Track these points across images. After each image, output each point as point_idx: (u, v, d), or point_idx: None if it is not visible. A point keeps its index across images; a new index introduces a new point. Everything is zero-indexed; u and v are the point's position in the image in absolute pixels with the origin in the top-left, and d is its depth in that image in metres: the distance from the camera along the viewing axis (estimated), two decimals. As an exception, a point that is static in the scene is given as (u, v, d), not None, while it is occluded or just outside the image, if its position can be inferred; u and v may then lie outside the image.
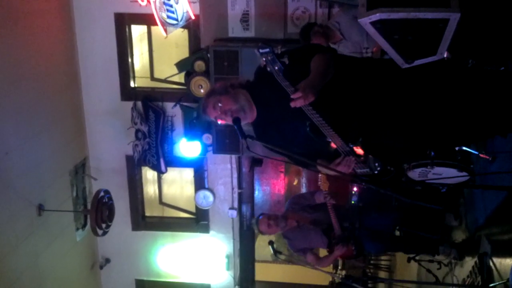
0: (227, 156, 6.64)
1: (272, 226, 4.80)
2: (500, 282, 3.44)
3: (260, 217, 4.91)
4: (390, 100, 2.59)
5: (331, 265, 9.06)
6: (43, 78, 5.67)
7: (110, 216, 5.68)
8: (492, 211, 3.83)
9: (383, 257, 8.66)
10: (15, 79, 5.14)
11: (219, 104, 2.65)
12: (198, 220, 7.13)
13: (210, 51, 5.67)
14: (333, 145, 2.55)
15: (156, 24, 5.80)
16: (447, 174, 3.75)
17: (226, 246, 7.14)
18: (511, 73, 2.66)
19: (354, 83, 2.61)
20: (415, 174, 3.84)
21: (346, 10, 4.81)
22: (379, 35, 2.44)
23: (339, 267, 8.59)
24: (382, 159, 2.58)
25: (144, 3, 5.80)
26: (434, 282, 4.89)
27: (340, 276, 5.63)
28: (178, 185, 7.61)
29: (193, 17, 5.82)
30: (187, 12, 5.76)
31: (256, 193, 8.33)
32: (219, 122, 2.72)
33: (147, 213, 7.33)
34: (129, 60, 6.45)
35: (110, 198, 5.70)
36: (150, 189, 7.38)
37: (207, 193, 6.84)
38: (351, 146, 2.54)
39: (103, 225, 5.57)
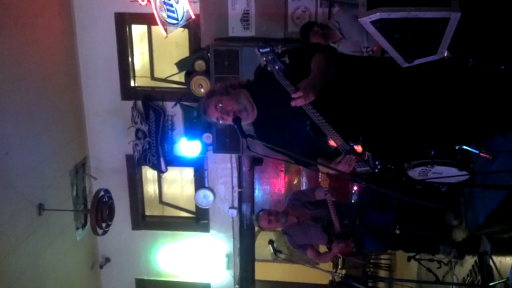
0: (227, 156, 6.64)
1: (273, 222, 4.80)
2: (500, 281, 3.44)
3: (261, 213, 4.91)
4: (391, 99, 2.59)
5: (331, 264, 9.08)
6: (44, 77, 5.67)
7: (110, 216, 5.68)
8: (492, 210, 3.84)
9: (383, 256, 8.66)
10: (16, 79, 5.14)
11: (220, 105, 2.65)
12: (198, 220, 7.13)
13: (210, 51, 5.67)
14: (333, 143, 2.55)
15: (156, 23, 5.80)
16: (447, 173, 3.76)
17: (226, 245, 7.15)
18: (511, 72, 2.67)
19: (355, 82, 2.61)
20: (415, 173, 3.85)
21: (346, 10, 4.81)
22: (379, 34, 2.44)
23: (339, 266, 8.59)
24: (383, 158, 2.59)
25: (144, 3, 5.80)
26: (434, 281, 4.89)
27: (340, 275, 5.64)
28: (178, 184, 7.61)
29: (193, 17, 5.82)
30: (187, 11, 5.76)
31: (256, 192, 8.34)
32: (221, 122, 2.72)
33: (147, 213, 7.33)
34: (130, 59, 6.45)
35: (110, 198, 5.70)
36: (150, 188, 7.38)
37: (207, 192, 6.84)
38: (352, 144, 2.55)
39: (103, 225, 5.57)
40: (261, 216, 4.87)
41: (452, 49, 2.53)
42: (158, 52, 6.68)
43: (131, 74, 6.52)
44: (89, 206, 6.03)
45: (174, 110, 6.46)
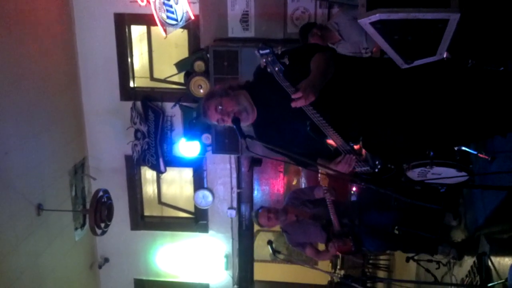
0: (226, 156, 6.65)
1: (272, 219, 4.80)
2: (499, 281, 3.44)
3: (260, 210, 4.91)
4: (390, 100, 2.60)
5: (330, 265, 9.09)
6: (43, 78, 5.67)
7: (109, 216, 5.68)
8: (491, 211, 3.84)
9: (382, 257, 8.67)
10: (15, 79, 5.14)
11: (220, 107, 2.65)
12: (197, 220, 7.13)
13: (209, 51, 5.67)
14: (332, 143, 2.55)
15: (155, 24, 5.80)
16: (446, 174, 3.76)
17: (225, 246, 7.15)
18: (510, 73, 2.67)
19: (354, 83, 2.62)
20: (414, 174, 3.85)
21: (345, 11, 4.82)
22: (378, 35, 2.45)
23: (338, 267, 8.60)
24: (383, 158, 2.60)
25: (143, 4, 5.80)
26: (433, 282, 4.90)
27: (339, 275, 5.64)
28: (177, 184, 7.61)
29: (192, 17, 5.82)
30: (186, 12, 5.76)
31: (255, 192, 8.34)
32: (221, 124, 2.71)
33: (146, 213, 7.33)
34: (129, 60, 6.46)
35: (109, 198, 5.70)
36: (149, 188, 7.38)
37: (206, 193, 6.84)
38: (352, 145, 2.55)
39: (102, 225, 5.57)
40: (260, 213, 4.86)
41: (452, 50, 2.54)
42: (158, 53, 6.68)
43: (131, 74, 6.53)
44: (88, 206, 6.03)
45: (173, 110, 6.46)
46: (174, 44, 6.62)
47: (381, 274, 8.52)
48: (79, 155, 6.60)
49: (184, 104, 6.35)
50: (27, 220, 5.37)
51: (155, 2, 5.65)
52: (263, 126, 2.79)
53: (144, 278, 7.44)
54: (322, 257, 5.05)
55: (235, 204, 6.92)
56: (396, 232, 5.15)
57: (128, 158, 6.79)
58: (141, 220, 7.23)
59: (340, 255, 8.50)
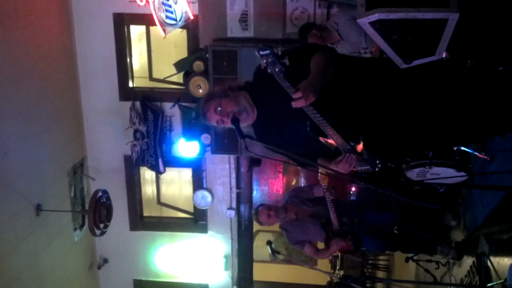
0: (226, 156, 6.64)
1: (272, 217, 4.80)
2: (498, 282, 3.44)
3: (260, 207, 4.91)
4: (390, 100, 2.60)
5: (329, 265, 9.09)
6: (42, 78, 5.66)
7: (108, 216, 5.67)
8: (491, 211, 3.84)
9: (381, 257, 8.67)
10: (14, 79, 5.13)
11: (219, 108, 2.65)
12: (196, 220, 7.13)
13: (209, 51, 5.67)
14: (332, 142, 2.55)
15: (155, 24, 5.80)
16: (446, 174, 3.76)
17: (224, 246, 7.14)
18: (509, 73, 2.67)
19: (354, 82, 2.62)
20: (413, 174, 3.85)
21: (344, 11, 4.82)
22: (378, 35, 2.44)
23: (337, 267, 8.59)
24: (383, 157, 2.60)
25: (142, 3, 5.79)
26: (432, 282, 4.90)
27: (338, 276, 5.63)
28: (176, 185, 7.61)
29: (192, 17, 5.82)
30: (186, 12, 5.76)
31: (255, 193, 8.34)
32: (221, 126, 2.71)
33: (145, 213, 7.33)
34: (128, 60, 6.45)
35: (108, 198, 5.69)
36: (148, 189, 7.37)
37: (206, 193, 6.84)
38: (352, 144, 2.55)
39: (101, 225, 5.57)
40: (260, 210, 4.86)
41: (451, 50, 2.53)
42: (157, 53, 6.68)
43: (130, 74, 6.52)
44: (87, 206, 6.03)
45: (172, 110, 6.45)
46: (173, 44, 6.62)
47: (380, 274, 8.53)
48: (78, 155, 6.60)
49: (183, 104, 6.35)
50: (26, 220, 5.37)
51: (154, 2, 5.65)
52: (263, 126, 2.79)
53: (143, 278, 7.44)
54: (321, 255, 5.05)
55: (234, 205, 6.91)
56: (395, 232, 5.15)
57: (127, 159, 6.78)
58: (140, 221, 7.23)
59: (339, 255, 8.51)
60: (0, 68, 4.92)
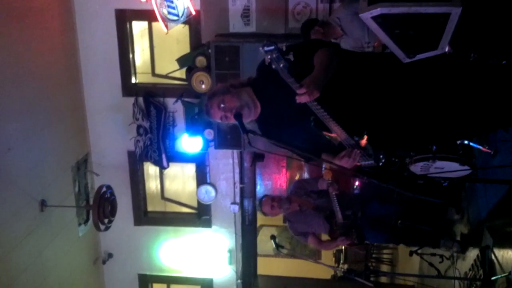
0: (229, 151, 6.65)
1: (275, 208, 4.80)
2: (502, 275, 3.45)
3: (264, 198, 4.91)
4: (393, 94, 2.60)
5: (333, 259, 9.10)
6: (45, 74, 5.67)
7: (113, 212, 5.69)
8: (494, 204, 3.85)
9: (385, 251, 8.69)
10: (17, 76, 5.14)
11: (222, 105, 2.66)
12: (200, 215, 7.15)
13: (211, 47, 5.66)
14: (336, 137, 2.56)
15: (157, 20, 5.79)
16: (449, 168, 3.76)
17: (228, 241, 7.16)
18: (512, 66, 2.67)
19: (357, 78, 2.62)
20: (417, 168, 3.86)
21: (347, 5, 4.80)
22: (380, 29, 2.45)
23: (341, 261, 8.61)
24: (387, 151, 2.60)
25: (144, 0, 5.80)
26: (436, 276, 4.91)
27: (342, 269, 5.64)
28: (180, 180, 7.62)
29: (194, 13, 5.81)
30: (187, 7, 5.75)
31: (258, 187, 8.34)
32: (225, 122, 2.72)
33: (149, 208, 7.34)
34: (130, 56, 6.45)
35: (112, 194, 5.71)
36: (152, 184, 7.39)
37: (209, 188, 6.85)
38: (356, 139, 2.55)
39: (106, 220, 5.59)
40: (264, 201, 4.87)
41: (454, 44, 2.53)
42: (159, 49, 6.67)
43: (132, 70, 6.52)
44: (91, 202, 6.04)
45: (175, 106, 6.46)
46: (176, 40, 6.61)
47: (384, 268, 8.55)
48: (81, 151, 6.61)
49: (186, 99, 6.35)
50: (30, 216, 5.39)
51: (156, -3, 5.64)
52: (267, 122, 2.80)
53: (147, 273, 7.46)
54: (324, 246, 5.06)
55: (238, 199, 6.92)
56: (399, 225, 5.16)
57: (130, 154, 6.79)
58: (144, 216, 7.24)
59: (343, 248, 8.53)
60: (3, 65, 4.92)
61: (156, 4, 5.67)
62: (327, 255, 9.68)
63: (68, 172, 6.25)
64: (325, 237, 5.07)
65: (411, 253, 5.14)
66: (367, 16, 2.39)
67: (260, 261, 7.71)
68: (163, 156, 6.57)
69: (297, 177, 9.27)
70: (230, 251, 7.18)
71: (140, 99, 6.47)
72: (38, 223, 5.52)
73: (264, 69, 2.56)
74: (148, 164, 7.00)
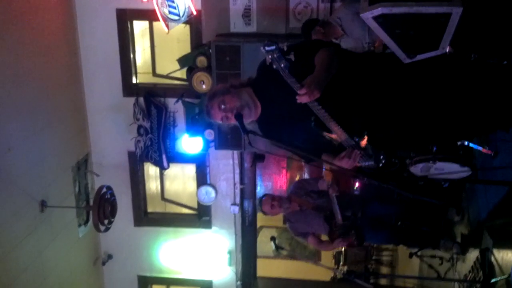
0: (229, 152, 6.64)
1: (275, 207, 4.80)
2: (502, 277, 3.44)
3: (264, 197, 4.90)
4: (393, 94, 2.60)
5: (333, 261, 9.09)
6: (46, 74, 5.67)
7: (113, 212, 5.68)
8: (494, 206, 3.84)
9: (384, 253, 8.68)
10: (17, 75, 5.14)
11: (222, 106, 2.66)
12: (200, 216, 7.14)
13: (212, 47, 5.66)
14: (336, 138, 2.55)
15: (158, 19, 5.79)
16: (449, 169, 3.75)
17: (228, 242, 7.15)
18: (513, 67, 2.66)
19: (358, 78, 2.62)
20: (417, 169, 3.84)
21: (348, 5, 4.80)
22: (381, 29, 2.44)
23: (341, 263, 8.60)
24: (387, 152, 2.60)
25: (146, -1, 5.80)
26: (436, 278, 4.90)
27: (342, 271, 5.64)
28: (180, 181, 7.61)
29: (194, 13, 5.81)
30: (188, 7, 5.75)
31: (258, 188, 8.33)
32: (226, 123, 2.72)
33: (149, 209, 7.34)
34: (131, 56, 6.45)
35: (112, 194, 5.70)
36: (152, 185, 7.38)
37: (209, 189, 6.84)
38: (357, 140, 2.55)
39: (106, 221, 5.57)
40: (264, 200, 4.86)
41: (454, 44, 2.53)
42: (160, 48, 6.67)
43: (133, 70, 6.52)
44: (91, 202, 6.04)
45: (176, 106, 6.45)
46: (176, 40, 6.61)
47: (384, 270, 8.54)
48: (82, 151, 6.61)
49: (187, 99, 6.34)
50: (31, 216, 5.39)
51: (157, -3, 5.65)
52: (267, 122, 2.80)
53: (147, 274, 7.46)
54: (324, 247, 5.05)
55: (238, 200, 6.91)
56: (399, 225, 5.15)
57: (131, 154, 6.79)
58: (145, 217, 7.24)
59: (343, 250, 8.52)
60: (3, 65, 4.92)
61: (157, 4, 5.68)
62: (327, 257, 9.67)
63: (68, 172, 6.25)
64: (325, 237, 5.06)
65: (410, 255, 5.14)
66: (368, 16, 2.38)
67: (260, 262, 7.70)
68: (164, 156, 6.56)
69: (297, 178, 9.26)
70: (230, 252, 7.17)
71: (141, 99, 6.47)
72: (38, 224, 5.52)
73: (265, 69, 2.56)
74: (148, 165, 7.00)
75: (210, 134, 6.25)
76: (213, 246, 7.15)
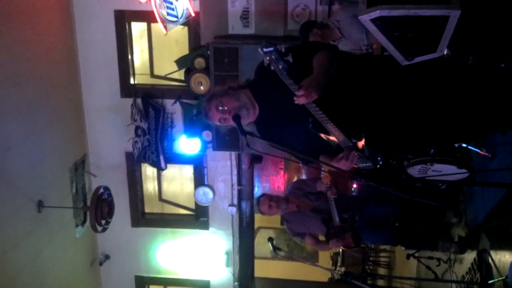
0: (227, 153, 6.64)
1: (273, 208, 4.79)
2: (499, 279, 3.45)
3: (261, 197, 4.90)
4: (391, 96, 2.60)
5: (330, 262, 9.10)
6: (44, 75, 5.66)
7: (110, 213, 5.67)
8: (492, 208, 3.84)
9: (382, 254, 8.68)
10: (16, 76, 5.14)
11: (220, 107, 2.66)
12: (198, 217, 7.14)
13: (210, 48, 5.67)
14: (334, 139, 2.55)
15: (156, 21, 5.79)
16: (447, 171, 3.76)
17: (226, 243, 7.15)
18: (511, 69, 2.67)
19: (356, 80, 2.62)
20: (415, 171, 3.86)
21: (346, 8, 4.81)
22: (379, 32, 2.45)
23: (339, 264, 8.61)
24: (385, 154, 2.60)
25: (144, 0, 5.80)
26: (433, 279, 4.90)
27: (340, 272, 5.65)
28: (178, 182, 7.62)
29: (193, 14, 5.82)
30: (187, 9, 5.76)
31: (256, 189, 8.34)
32: (224, 125, 2.72)
33: (147, 210, 7.33)
34: (129, 57, 6.45)
35: (109, 195, 5.69)
36: (149, 185, 7.38)
37: (207, 190, 6.84)
38: (354, 141, 2.55)
39: (103, 222, 5.57)
40: (261, 200, 4.86)
41: (452, 47, 2.53)
42: (158, 50, 6.67)
43: (131, 71, 6.52)
44: (88, 203, 6.03)
45: (173, 107, 6.46)
46: (175, 41, 6.62)
47: (382, 271, 8.54)
48: (79, 152, 6.60)
49: (185, 101, 6.35)
50: (28, 216, 5.38)
51: (155, -1, 5.65)
52: (265, 123, 2.80)
53: (145, 275, 7.45)
54: (321, 247, 5.06)
55: (235, 201, 6.92)
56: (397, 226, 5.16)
57: (128, 155, 6.79)
58: (142, 217, 7.24)
59: (340, 251, 8.53)
60: (1, 65, 4.92)
61: (155, 5, 5.68)
62: (325, 258, 9.68)
63: (66, 173, 6.25)
64: (322, 238, 5.07)
65: (408, 256, 5.14)
66: (366, 18, 2.39)
67: (258, 263, 7.71)
68: (161, 157, 6.56)
69: (295, 179, 9.27)
70: (227, 253, 7.17)
71: (139, 100, 6.46)
72: (36, 224, 5.51)
73: (263, 70, 2.56)
74: (146, 166, 7.00)
75: (208, 135, 6.26)
76: (211, 247, 7.16)
